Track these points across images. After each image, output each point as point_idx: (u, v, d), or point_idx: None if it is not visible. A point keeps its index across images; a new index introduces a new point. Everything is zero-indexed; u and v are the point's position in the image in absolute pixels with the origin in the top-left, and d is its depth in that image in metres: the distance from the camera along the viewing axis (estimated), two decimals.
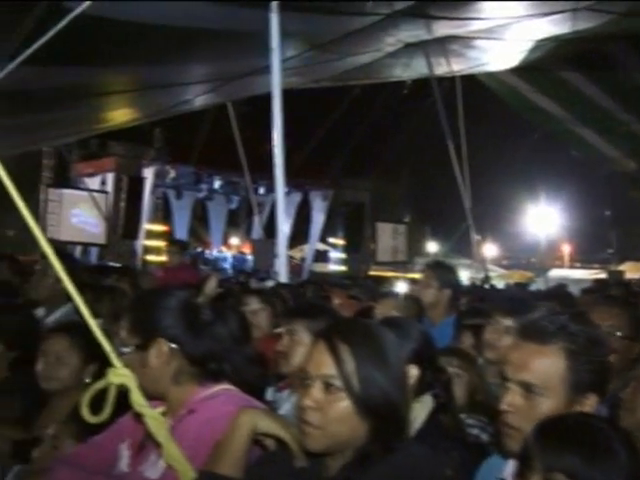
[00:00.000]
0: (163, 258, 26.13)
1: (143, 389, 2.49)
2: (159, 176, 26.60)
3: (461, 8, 12.58)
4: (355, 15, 11.60)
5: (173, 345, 2.58)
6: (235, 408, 2.41)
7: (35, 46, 5.53)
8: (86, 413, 2.46)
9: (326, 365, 2.10)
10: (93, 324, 2.49)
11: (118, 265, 17.25)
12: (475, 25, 13.72)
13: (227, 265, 28.04)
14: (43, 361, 3.44)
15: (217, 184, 28.69)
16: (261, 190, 28.29)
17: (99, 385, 2.45)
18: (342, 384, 2.07)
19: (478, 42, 15.33)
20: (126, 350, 2.57)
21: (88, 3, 6.37)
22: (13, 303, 5.12)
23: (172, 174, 27.09)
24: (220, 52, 12.50)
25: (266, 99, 10.26)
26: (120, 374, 2.41)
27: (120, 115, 17.61)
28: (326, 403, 2.08)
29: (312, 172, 27.41)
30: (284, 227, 9.82)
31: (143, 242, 26.07)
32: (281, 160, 9.01)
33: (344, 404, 2.08)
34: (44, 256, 5.86)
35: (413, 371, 3.06)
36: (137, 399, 2.41)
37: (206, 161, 26.27)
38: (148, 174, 26.20)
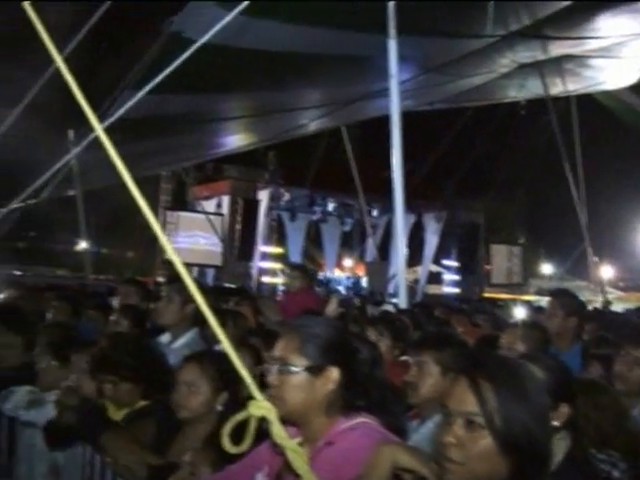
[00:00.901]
0: (278, 280, 26.57)
1: (285, 413, 2.52)
2: (273, 199, 26.96)
3: (577, 27, 12.40)
4: (472, 37, 11.56)
5: (341, 374, 2.60)
6: (373, 441, 2.40)
7: (162, 75, 5.71)
8: (227, 443, 2.49)
9: (468, 402, 2.08)
10: (232, 353, 2.51)
11: (234, 286, 17.57)
12: (591, 44, 13.51)
13: (341, 287, 28.15)
14: (177, 390, 3.53)
15: (331, 206, 28.91)
16: (374, 212, 28.35)
17: (240, 417, 2.47)
18: (484, 422, 2.05)
19: (594, 61, 15.09)
20: (294, 369, 2.58)
21: (211, 33, 6.54)
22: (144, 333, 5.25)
23: (286, 197, 27.43)
24: (335, 77, 12.63)
25: (377, 120, 10.28)
26: (261, 407, 2.43)
27: (236, 140, 17.97)
28: (468, 440, 2.07)
29: (426, 194, 27.31)
30: (403, 250, 9.73)
31: (258, 264, 26.45)
32: (400, 183, 8.97)
33: (486, 441, 2.05)
34: (168, 282, 6.03)
35: (564, 410, 3.02)
36: (278, 432, 2.43)
37: (320, 183, 26.52)
38: (263, 197, 26.60)
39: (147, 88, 5.80)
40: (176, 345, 5.31)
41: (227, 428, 2.49)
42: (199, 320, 5.53)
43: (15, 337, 5.28)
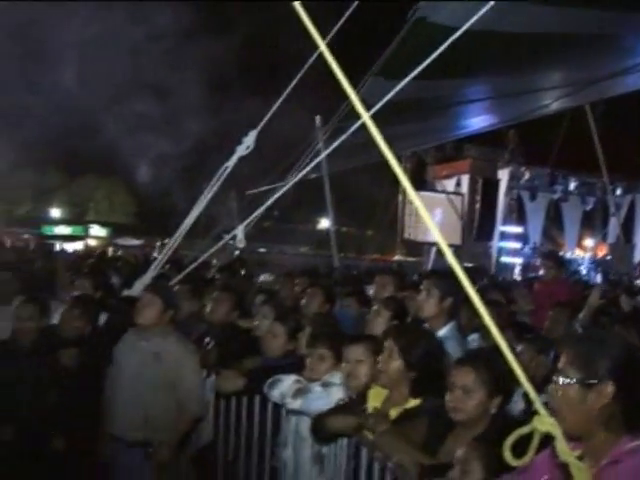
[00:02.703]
0: (517, 260, 26.17)
1: (566, 428, 2.49)
2: (513, 178, 26.53)
3: None
4: None
5: (616, 390, 2.54)
6: None
7: (427, 61, 5.74)
8: (509, 456, 2.51)
9: None
10: (510, 355, 2.49)
11: (471, 265, 17.50)
12: None
13: (582, 268, 27.29)
14: (451, 392, 3.56)
15: (572, 185, 28.08)
16: (618, 191, 27.20)
17: (523, 431, 2.48)
18: None
19: None
20: (566, 381, 2.57)
21: (473, 20, 6.48)
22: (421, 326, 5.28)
23: (527, 176, 26.90)
24: (582, 56, 12.22)
25: (622, 98, 9.80)
26: (546, 422, 2.42)
27: (479, 121, 17.83)
28: None
29: None
30: None
31: (497, 243, 26.16)
32: None
33: None
34: (427, 276, 6.09)
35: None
36: (563, 448, 2.42)
37: (562, 162, 25.75)
38: (502, 176, 26.23)
39: (412, 75, 5.84)
40: None
41: (510, 440, 2.50)
42: (456, 313, 5.58)
43: (280, 326, 5.52)
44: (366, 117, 2.73)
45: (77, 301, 6.18)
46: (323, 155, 7.56)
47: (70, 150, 24.01)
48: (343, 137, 6.25)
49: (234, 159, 6.51)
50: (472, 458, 3.06)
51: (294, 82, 6.74)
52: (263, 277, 9.55)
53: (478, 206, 25.79)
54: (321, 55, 2.74)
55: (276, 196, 6.43)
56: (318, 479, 4.73)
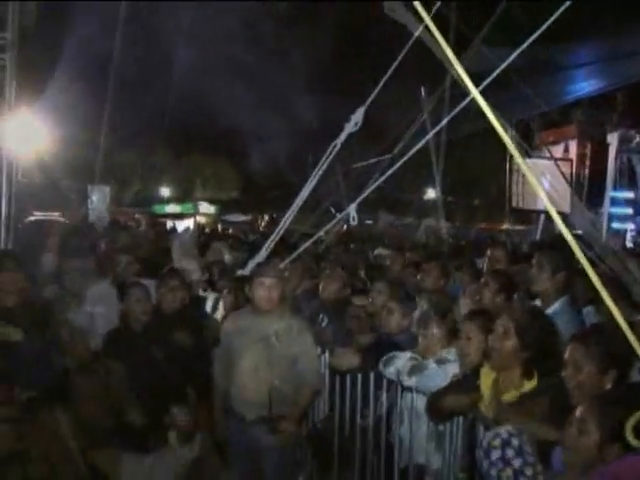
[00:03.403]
0: (630, 226, 25.44)
1: None
2: (623, 141, 25.73)
3: None
4: None
5: None
6: None
7: (541, 30, 5.64)
8: (630, 436, 2.50)
9: None
10: (627, 330, 2.47)
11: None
12: None
13: None
14: (564, 369, 3.55)
15: None
16: None
17: None
18: None
19: None
20: None
21: None
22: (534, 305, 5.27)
23: (637, 139, 26.06)
24: None
25: None
26: None
27: (586, 86, 17.40)
28: None
29: None
30: None
31: (608, 209, 25.50)
32: None
33: None
34: (538, 249, 6.04)
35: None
36: None
37: None
38: (612, 140, 25.49)
39: (529, 40, 5.74)
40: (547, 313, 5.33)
41: (631, 421, 2.50)
42: (569, 286, 5.53)
43: (395, 302, 5.57)
44: (475, 92, 2.75)
45: (172, 272, 6.35)
46: (437, 129, 7.49)
47: (177, 128, 24.44)
48: (454, 112, 6.23)
49: (343, 136, 6.57)
50: (589, 418, 2.99)
51: (400, 56, 6.74)
52: (377, 251, 9.56)
53: (587, 172, 25.15)
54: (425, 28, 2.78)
55: (391, 170, 6.47)
56: (434, 456, 4.79)
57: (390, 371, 4.98)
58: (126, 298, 5.64)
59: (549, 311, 5.24)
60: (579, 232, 8.21)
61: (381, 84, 6.54)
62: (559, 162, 25.48)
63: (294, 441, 5.30)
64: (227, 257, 8.71)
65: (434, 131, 7.36)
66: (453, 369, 4.59)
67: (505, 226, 27.48)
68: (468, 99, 5.13)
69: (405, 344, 5.23)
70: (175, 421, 3.57)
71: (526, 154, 25.42)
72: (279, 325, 5.20)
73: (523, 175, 24.97)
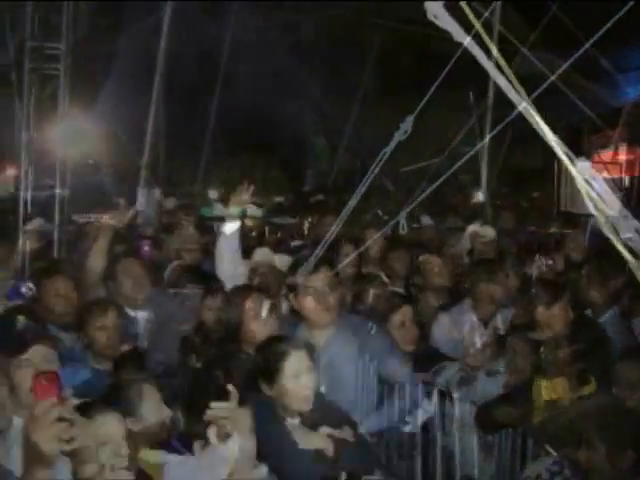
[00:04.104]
0: None
1: None
2: None
3: None
4: None
5: None
6: None
7: (601, 32, 5.61)
8: None
9: None
10: None
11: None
12: None
13: None
14: (617, 385, 3.51)
15: None
16: None
17: None
18: None
19: None
20: None
21: None
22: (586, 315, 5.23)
23: None
24: None
25: None
26: None
27: (637, 90, 17.22)
28: None
29: None
30: None
31: None
32: None
33: None
34: (588, 258, 5.97)
35: None
36: None
37: None
38: None
39: (585, 46, 5.69)
40: None
41: None
42: (619, 298, 5.46)
43: (443, 312, 5.55)
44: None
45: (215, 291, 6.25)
46: (494, 132, 7.41)
47: (226, 131, 24.62)
48: (507, 120, 6.17)
49: (392, 144, 6.55)
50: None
51: (448, 67, 6.70)
52: (423, 258, 9.49)
53: (637, 176, 24.79)
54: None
55: (444, 176, 6.43)
56: (484, 466, 4.76)
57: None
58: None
59: (599, 321, 5.20)
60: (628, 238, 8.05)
61: (429, 94, 6.51)
62: (608, 166, 25.24)
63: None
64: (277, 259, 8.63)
65: (491, 134, 7.30)
66: (502, 381, 4.56)
67: (553, 229, 27.15)
68: (520, 108, 5.09)
69: (453, 354, 5.20)
70: (215, 418, 3.58)
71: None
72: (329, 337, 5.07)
73: (572, 178, 24.68)
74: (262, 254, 6.94)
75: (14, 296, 4.71)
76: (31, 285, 4.91)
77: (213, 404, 3.52)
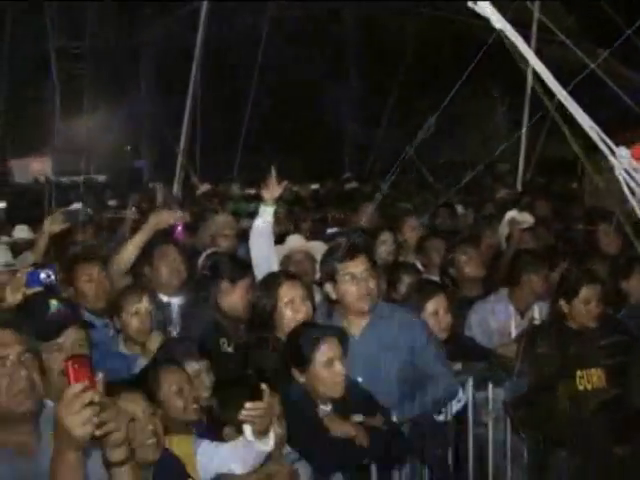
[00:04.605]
0: None
1: None
2: None
3: None
4: None
5: None
6: None
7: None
8: None
9: None
10: None
11: None
12: None
13: None
14: None
15: None
16: None
17: None
18: None
19: None
20: None
21: None
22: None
23: None
24: None
25: None
26: None
27: None
28: None
29: None
30: None
31: None
32: None
33: None
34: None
35: None
36: None
37: None
38: None
39: (621, 39, 5.59)
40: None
41: None
42: None
43: None
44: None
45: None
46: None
47: (260, 118, 24.77)
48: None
49: (415, 142, 6.50)
50: None
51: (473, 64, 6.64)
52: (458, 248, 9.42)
53: None
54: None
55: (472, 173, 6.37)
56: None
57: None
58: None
59: None
60: None
61: (453, 92, 6.44)
62: None
63: None
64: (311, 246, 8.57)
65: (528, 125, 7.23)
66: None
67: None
68: (560, 97, 5.02)
69: (488, 344, 5.17)
70: (250, 416, 3.59)
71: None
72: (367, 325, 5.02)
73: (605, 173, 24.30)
74: (295, 241, 6.92)
75: (33, 282, 4.70)
76: (50, 272, 4.89)
77: (248, 404, 3.54)
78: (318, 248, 6.47)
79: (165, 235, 6.45)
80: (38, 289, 4.67)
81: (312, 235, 8.36)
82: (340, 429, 4.26)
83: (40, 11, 21.04)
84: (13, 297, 4.45)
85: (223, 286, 5.47)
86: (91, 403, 2.49)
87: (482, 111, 26.18)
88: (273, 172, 5.89)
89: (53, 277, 4.85)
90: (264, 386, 3.59)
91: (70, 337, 3.72)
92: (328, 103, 27.74)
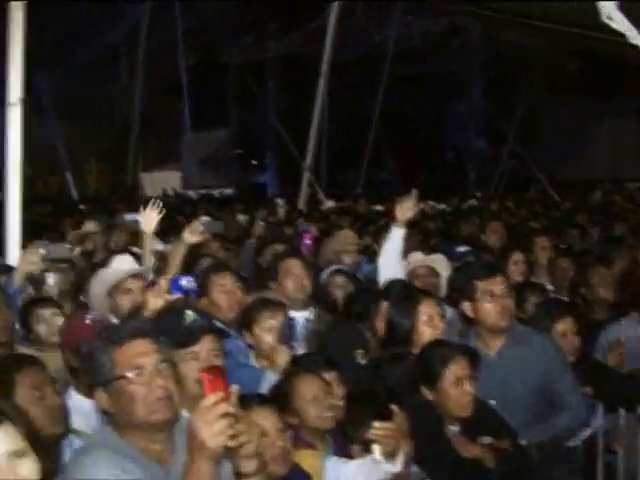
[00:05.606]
0: None
1: None
2: None
3: None
4: None
5: None
6: None
7: None
8: None
9: None
10: None
11: None
12: None
13: None
14: None
15: None
16: None
17: None
18: None
19: None
20: None
21: None
22: None
23: None
24: None
25: None
26: None
27: None
28: None
29: None
30: None
31: None
32: None
33: None
34: None
35: None
36: None
37: None
38: None
39: None
40: None
41: None
42: None
43: None
44: None
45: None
46: None
47: (387, 134, 25.09)
48: None
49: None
50: None
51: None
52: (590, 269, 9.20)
53: None
54: None
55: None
56: None
57: None
58: None
59: None
60: None
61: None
62: None
63: None
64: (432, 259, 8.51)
65: None
66: None
67: None
68: None
69: None
70: (378, 436, 3.57)
71: None
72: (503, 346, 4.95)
73: None
74: (416, 256, 6.85)
75: (175, 289, 4.80)
76: (191, 278, 4.99)
77: (377, 424, 3.53)
78: (440, 261, 6.43)
79: (292, 249, 6.47)
80: (179, 295, 4.77)
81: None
82: (467, 450, 4.19)
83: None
84: (155, 303, 4.52)
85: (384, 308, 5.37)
86: (226, 415, 2.51)
87: (612, 129, 25.54)
88: (414, 193, 5.82)
89: (195, 284, 4.95)
90: (394, 407, 3.57)
91: (206, 346, 3.76)
92: (452, 120, 27.59)
